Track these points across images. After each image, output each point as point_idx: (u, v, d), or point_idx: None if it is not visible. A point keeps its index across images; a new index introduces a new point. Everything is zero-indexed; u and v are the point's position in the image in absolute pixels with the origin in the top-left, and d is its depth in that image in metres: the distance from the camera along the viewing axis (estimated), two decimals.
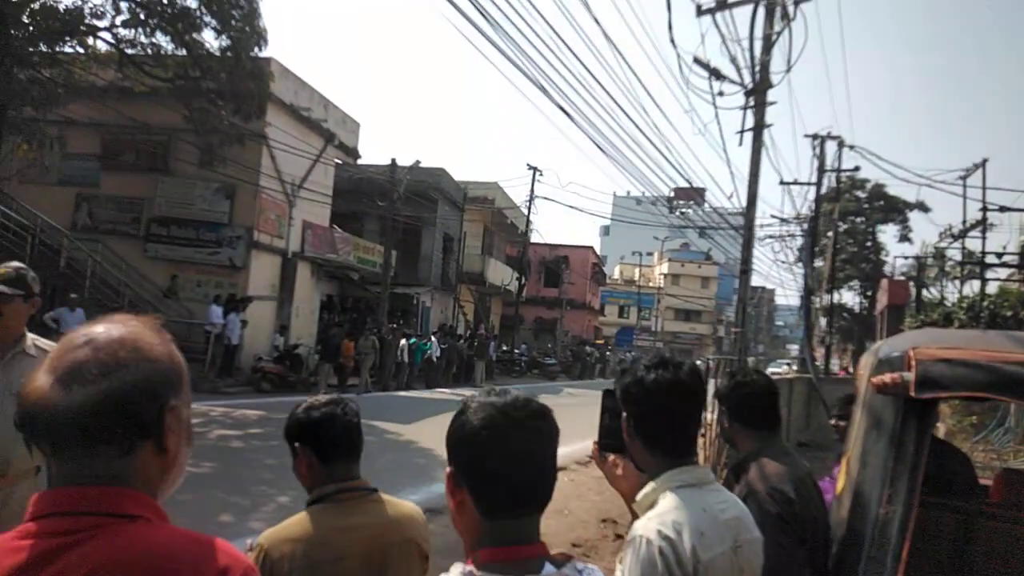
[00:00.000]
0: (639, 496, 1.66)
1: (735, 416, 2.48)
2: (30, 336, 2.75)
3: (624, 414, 1.71)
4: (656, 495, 1.62)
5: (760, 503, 2.16)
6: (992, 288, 22.42)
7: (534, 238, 35.14)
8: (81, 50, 14.87)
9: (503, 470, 1.11)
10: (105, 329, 1.01)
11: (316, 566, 1.77)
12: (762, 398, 2.46)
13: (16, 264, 2.75)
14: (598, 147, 10.57)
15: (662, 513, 1.56)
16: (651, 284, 61.95)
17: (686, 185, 19.37)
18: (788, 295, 51.96)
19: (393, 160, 22.55)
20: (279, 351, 17.98)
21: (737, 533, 1.60)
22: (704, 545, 1.52)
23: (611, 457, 1.84)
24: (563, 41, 9.21)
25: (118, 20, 14.13)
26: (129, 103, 16.41)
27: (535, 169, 31.93)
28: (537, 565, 1.10)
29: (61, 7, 13.44)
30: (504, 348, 32.58)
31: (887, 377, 2.36)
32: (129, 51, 14.43)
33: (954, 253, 29.09)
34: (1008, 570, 2.68)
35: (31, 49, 12.85)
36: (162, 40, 14.20)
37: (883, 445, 2.37)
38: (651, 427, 1.67)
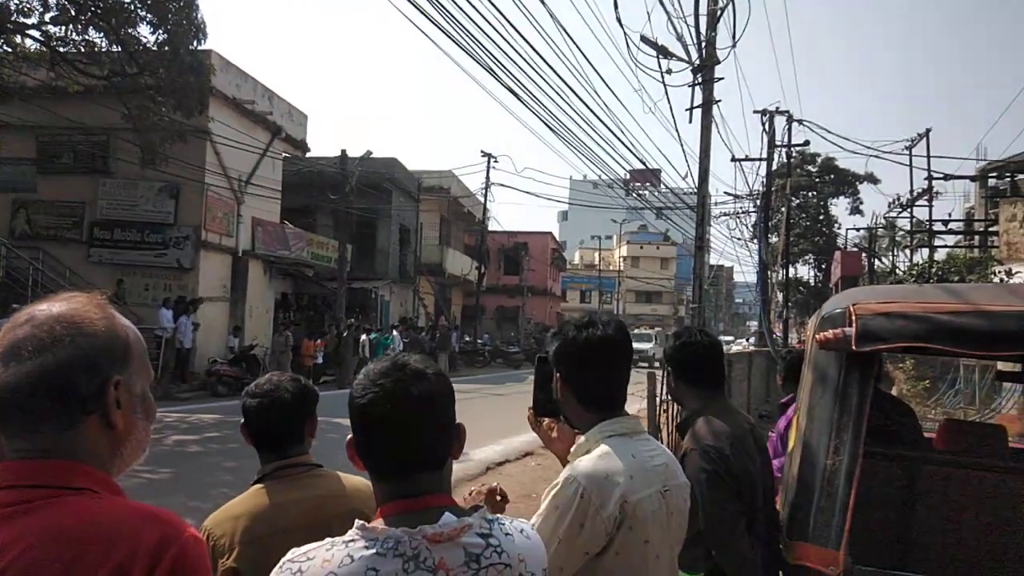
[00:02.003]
0: (572, 449, 1.74)
1: (680, 375, 2.53)
2: None
3: (556, 375, 1.79)
4: (589, 446, 1.70)
5: (697, 459, 2.24)
6: (940, 255, 23.17)
7: (492, 226, 35.08)
8: (8, 49, 14.27)
9: (381, 438, 1.17)
10: (47, 306, 1.02)
11: (258, 540, 1.78)
12: (705, 357, 2.52)
13: None
14: (551, 129, 10.53)
15: (593, 458, 1.64)
16: (611, 267, 62.44)
17: (641, 167, 19.51)
18: (746, 272, 52.83)
19: (343, 151, 22.18)
20: (234, 353, 17.61)
21: (665, 478, 1.70)
22: (632, 488, 1.60)
23: (546, 421, 1.93)
24: (509, 22, 9.12)
25: (47, 17, 13.58)
26: (64, 103, 15.82)
27: (489, 156, 31.79)
28: (435, 515, 1.13)
29: None
30: (467, 339, 32.51)
31: (830, 333, 2.41)
32: (61, 49, 13.90)
33: (903, 223, 29.99)
34: (950, 511, 2.75)
35: None
36: (96, 37, 13.71)
37: (828, 398, 2.42)
38: (583, 384, 1.75)
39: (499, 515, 1.21)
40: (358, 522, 1.14)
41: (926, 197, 25.63)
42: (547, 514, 1.60)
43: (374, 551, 1.08)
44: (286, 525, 1.79)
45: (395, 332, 23.04)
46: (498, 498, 1.79)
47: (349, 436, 1.21)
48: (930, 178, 24.39)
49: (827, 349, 2.45)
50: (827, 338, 2.40)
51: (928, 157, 24.55)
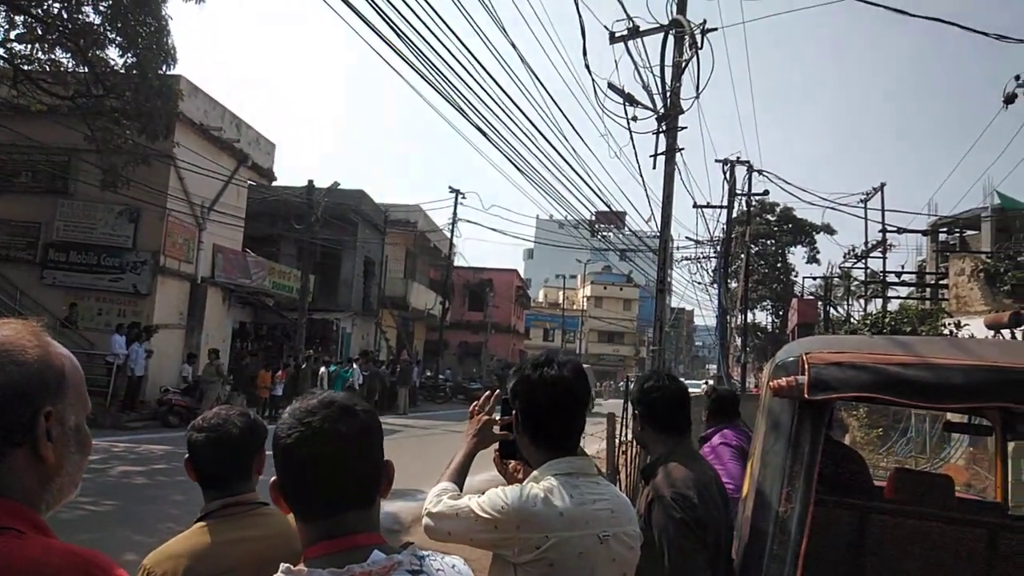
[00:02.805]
0: (520, 487, 1.73)
1: (646, 420, 2.54)
2: None
3: (513, 412, 1.81)
4: (534, 484, 1.70)
5: (665, 508, 2.24)
6: (893, 306, 23.83)
7: (458, 261, 35.13)
8: None
9: (308, 478, 1.14)
10: None
11: None
12: (671, 402, 2.54)
13: None
14: (518, 169, 10.66)
15: (531, 487, 1.67)
16: (575, 307, 62.79)
17: (606, 209, 19.80)
18: (705, 316, 53.72)
19: (310, 182, 22.13)
20: (187, 382, 17.16)
21: (607, 524, 1.68)
22: (562, 525, 1.61)
23: (512, 463, 1.96)
24: (480, 65, 9.29)
25: (12, 35, 13.41)
26: (25, 122, 15.48)
27: (457, 192, 32.01)
28: (363, 554, 1.10)
29: None
30: (428, 374, 32.24)
31: (783, 380, 2.44)
32: (25, 67, 13.69)
33: (858, 273, 30.84)
34: (899, 561, 2.80)
35: None
36: (62, 57, 13.55)
37: (781, 446, 2.45)
38: (536, 421, 1.77)
39: (430, 551, 1.19)
40: (284, 566, 1.10)
41: (880, 249, 26.46)
42: (475, 506, 1.67)
43: None
44: (229, 566, 1.74)
45: (355, 365, 22.73)
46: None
47: (273, 478, 1.18)
48: (884, 231, 25.24)
49: (780, 396, 2.49)
50: (780, 386, 2.44)
51: (883, 210, 25.43)
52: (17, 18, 13.23)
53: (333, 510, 1.13)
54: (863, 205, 26.41)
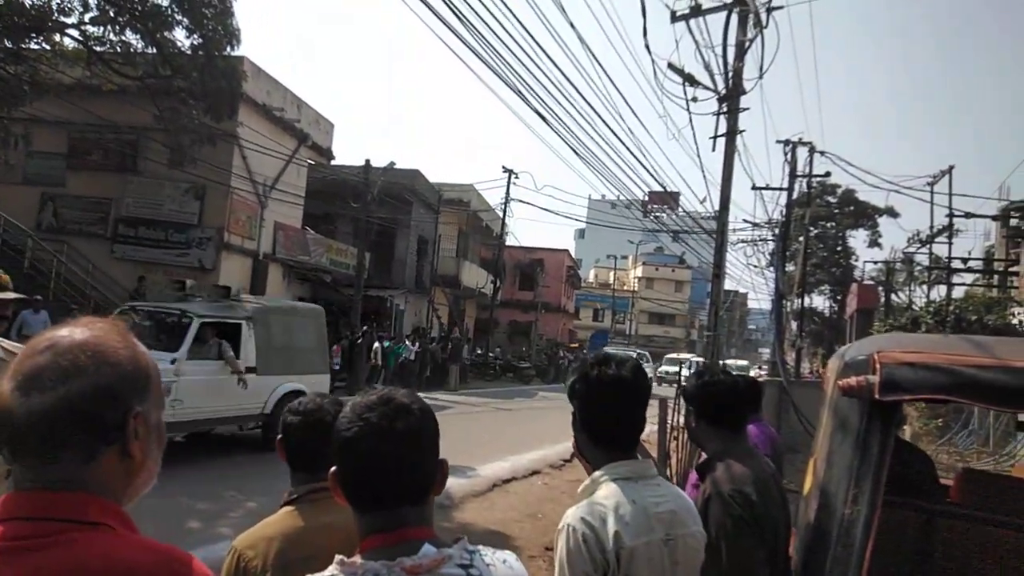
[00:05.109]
0: (580, 488, 1.75)
1: (701, 416, 2.51)
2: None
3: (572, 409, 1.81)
4: (595, 486, 1.71)
5: (723, 504, 2.21)
6: (958, 292, 22.98)
7: (509, 241, 35.16)
8: (48, 47, 14.56)
9: (364, 472, 1.17)
10: (68, 333, 0.99)
11: (290, 564, 1.76)
12: (727, 398, 2.50)
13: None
14: (574, 151, 10.61)
15: (591, 502, 1.66)
16: (626, 287, 62.31)
17: (659, 189, 19.53)
18: (760, 299, 52.77)
19: (367, 161, 22.39)
20: None
21: (670, 527, 1.68)
22: (629, 533, 1.60)
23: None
24: (540, 46, 9.24)
25: (86, 17, 13.85)
26: (97, 101, 16.11)
27: (510, 172, 31.95)
28: (415, 547, 1.14)
29: (28, 2, 13.15)
30: (478, 351, 32.51)
31: (853, 380, 2.40)
32: (98, 49, 14.15)
33: (922, 258, 29.79)
34: (965, 566, 2.74)
35: None
36: (132, 38, 13.94)
37: (848, 446, 2.41)
38: (594, 421, 1.77)
39: (480, 546, 1.21)
40: (338, 557, 1.14)
41: (946, 234, 25.47)
42: (558, 571, 1.63)
43: None
44: (318, 550, 1.78)
45: (407, 341, 23.10)
46: None
47: (333, 469, 1.21)
48: (951, 215, 24.24)
49: (849, 396, 2.46)
50: (850, 385, 2.40)
51: (950, 194, 24.40)
52: (91, 1, 13.67)
53: (387, 504, 1.17)
54: (929, 188, 25.40)
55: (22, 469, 0.95)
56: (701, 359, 21.04)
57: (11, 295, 2.76)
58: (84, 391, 0.94)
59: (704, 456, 2.66)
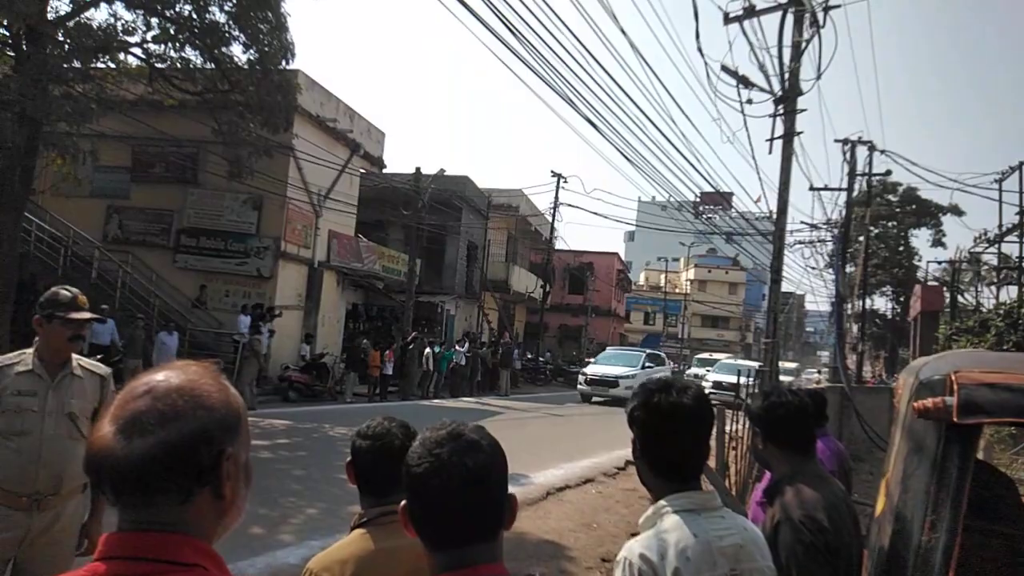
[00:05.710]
0: (641, 519, 1.70)
1: (769, 437, 2.43)
2: (74, 356, 2.93)
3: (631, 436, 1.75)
4: (656, 518, 1.65)
5: (794, 530, 2.15)
6: None
7: (558, 245, 35.10)
8: (113, 66, 15.14)
9: (434, 508, 1.17)
10: (164, 377, 1.03)
11: None
12: (796, 419, 2.40)
13: (77, 290, 2.93)
14: (624, 157, 10.51)
15: (651, 536, 1.61)
16: (677, 290, 61.48)
17: (711, 190, 19.19)
18: (818, 301, 51.45)
19: (418, 169, 22.66)
20: (305, 360, 18.10)
21: (736, 561, 1.61)
22: (689, 570, 1.54)
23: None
24: (589, 53, 9.17)
25: (148, 36, 14.35)
26: (159, 116, 16.68)
27: (559, 176, 31.90)
28: None
29: (95, 24, 13.71)
30: (529, 356, 32.52)
31: (929, 401, 2.29)
32: (159, 66, 14.65)
33: (990, 258, 28.57)
34: None
35: (65, 66, 13.10)
36: (191, 55, 14.38)
37: (925, 470, 2.31)
38: (654, 450, 1.70)
39: None
40: None
41: (1017, 232, 24.39)
42: None
43: None
44: (389, 573, 1.81)
45: (458, 346, 23.24)
46: None
47: (403, 502, 1.23)
48: (1021, 213, 23.23)
49: (925, 418, 2.35)
50: (926, 407, 2.30)
51: (1021, 191, 23.39)
52: (153, 20, 14.17)
53: (458, 542, 1.16)
54: (998, 185, 24.39)
55: (123, 509, 0.99)
56: (752, 363, 20.45)
57: (86, 315, 2.88)
58: (182, 435, 0.97)
59: (769, 475, 2.59)
